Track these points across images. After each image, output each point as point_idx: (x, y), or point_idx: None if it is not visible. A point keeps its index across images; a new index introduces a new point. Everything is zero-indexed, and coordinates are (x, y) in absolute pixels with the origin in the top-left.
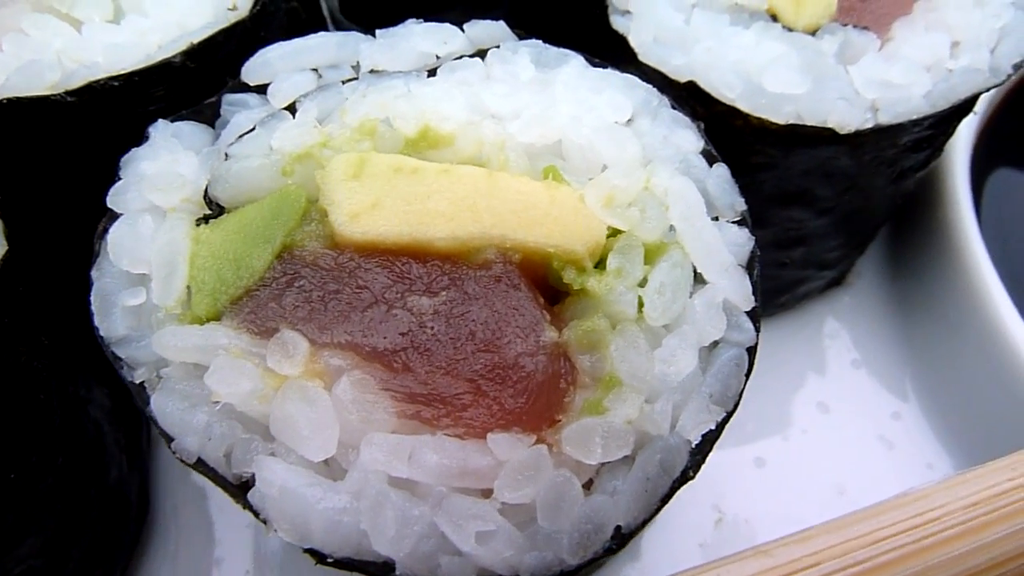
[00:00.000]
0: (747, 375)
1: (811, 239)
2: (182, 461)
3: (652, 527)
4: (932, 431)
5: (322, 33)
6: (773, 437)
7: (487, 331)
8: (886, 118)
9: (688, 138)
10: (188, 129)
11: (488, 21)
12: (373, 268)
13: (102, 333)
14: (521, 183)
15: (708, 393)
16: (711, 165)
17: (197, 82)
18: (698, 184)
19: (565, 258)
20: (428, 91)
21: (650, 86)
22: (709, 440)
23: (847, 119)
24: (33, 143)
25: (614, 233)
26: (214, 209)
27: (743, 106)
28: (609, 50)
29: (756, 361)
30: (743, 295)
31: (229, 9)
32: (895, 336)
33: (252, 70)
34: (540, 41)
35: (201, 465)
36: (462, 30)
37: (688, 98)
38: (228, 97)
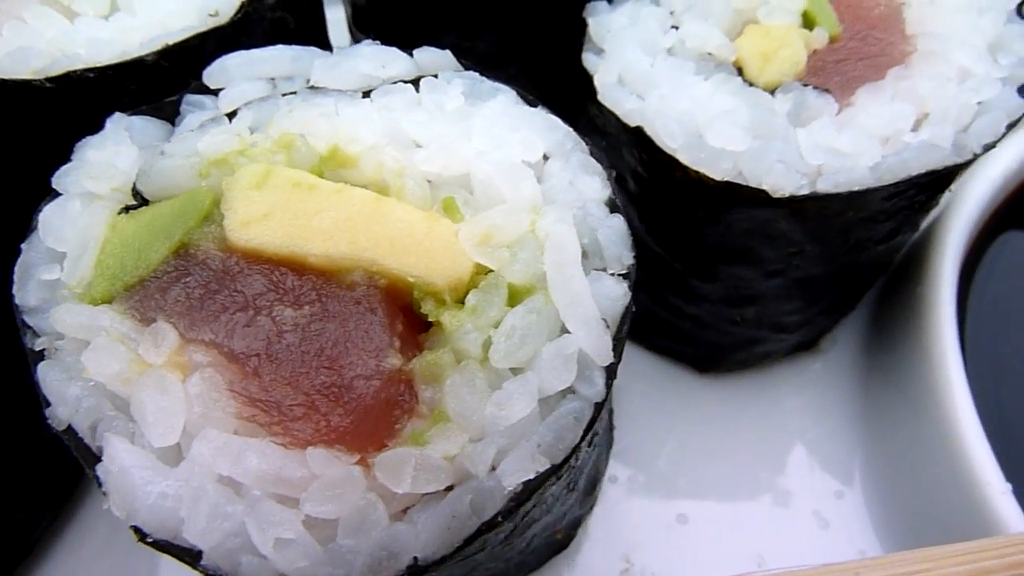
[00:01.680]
0: (588, 430)
1: (763, 300)
2: (53, 428)
3: (553, 564)
4: (871, 518)
5: (281, 46)
6: (703, 496)
7: (335, 349)
8: (825, 186)
9: (593, 185)
10: (141, 124)
11: (435, 49)
12: (253, 275)
13: (17, 300)
14: (404, 211)
15: (538, 443)
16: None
17: (172, 81)
18: (589, 233)
19: (425, 289)
20: (351, 112)
21: (569, 129)
22: (530, 489)
23: (782, 183)
24: (15, 123)
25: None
26: (139, 201)
27: (683, 158)
28: (585, 85)
29: (708, 415)
30: (601, 349)
31: (210, 15)
32: (855, 414)
33: (211, 75)
34: (477, 74)
35: (69, 434)
36: (411, 55)
37: (636, 144)
38: (189, 97)
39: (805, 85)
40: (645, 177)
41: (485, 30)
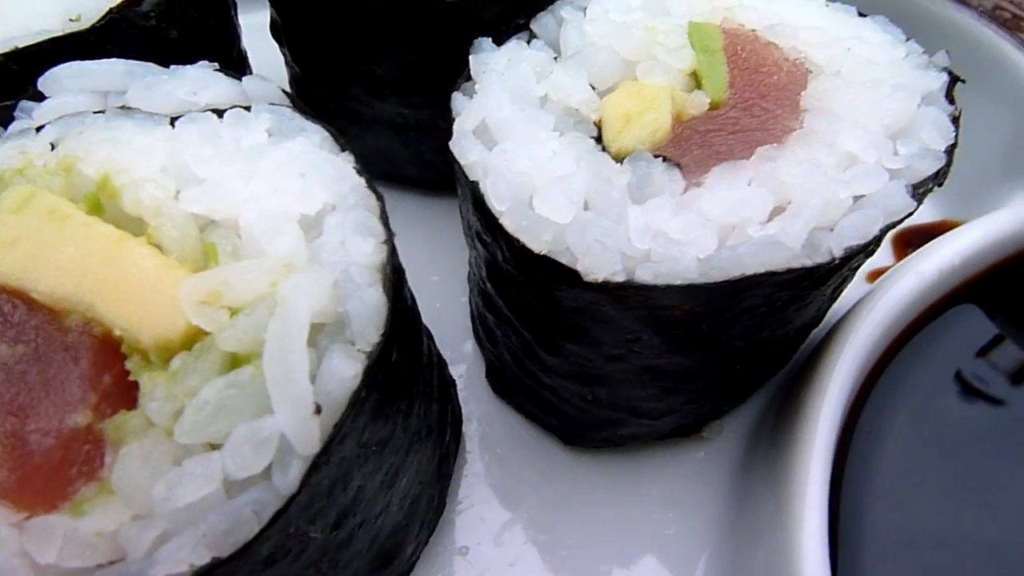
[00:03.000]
0: (273, 523)
1: (611, 382)
2: None
3: None
4: None
5: (116, 59)
6: None
7: (29, 396)
8: (645, 275)
9: (363, 248)
10: None
11: (263, 78)
12: None
13: None
14: (140, 256)
15: (204, 532)
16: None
17: (21, 85)
18: (339, 304)
19: (132, 345)
20: (140, 139)
21: (360, 182)
22: None
23: (597, 265)
24: None
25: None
26: None
27: (506, 223)
28: None
29: (568, 491)
30: (305, 437)
31: (71, 20)
32: (712, 516)
33: (44, 83)
34: (289, 108)
35: None
36: (239, 80)
37: (472, 200)
38: (23, 103)
39: (657, 156)
40: (485, 238)
41: (384, 55)
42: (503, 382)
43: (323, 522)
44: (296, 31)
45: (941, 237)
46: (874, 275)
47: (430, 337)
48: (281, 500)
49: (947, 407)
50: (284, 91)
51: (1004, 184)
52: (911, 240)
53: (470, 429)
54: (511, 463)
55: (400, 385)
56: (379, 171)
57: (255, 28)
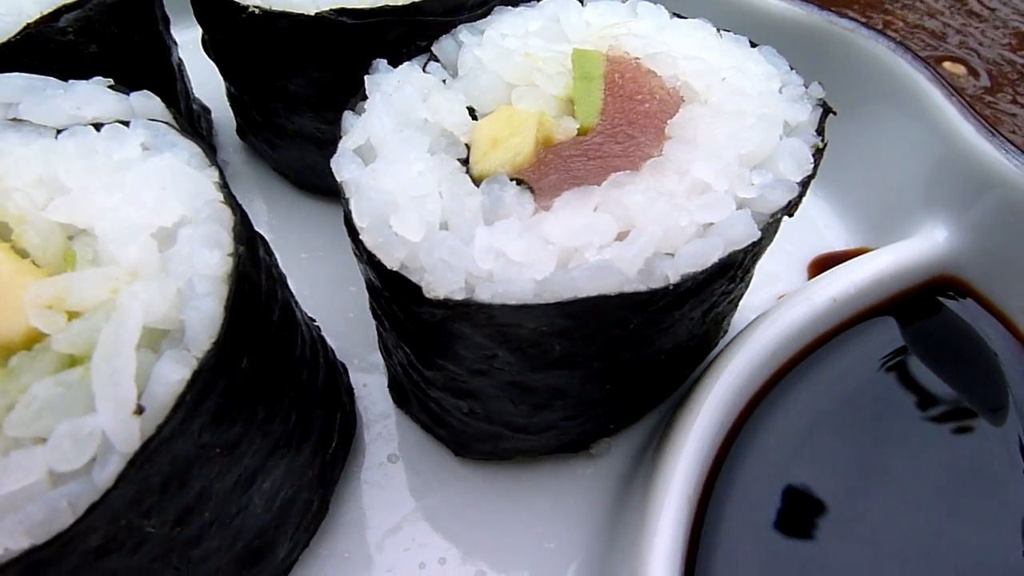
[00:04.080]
0: (87, 514)
1: (481, 397)
2: None
3: None
4: None
5: (17, 73)
6: None
7: None
8: (484, 295)
9: (208, 260)
10: None
11: (149, 94)
12: None
13: None
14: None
15: (21, 520)
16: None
17: None
18: (174, 313)
19: None
20: (21, 151)
21: (218, 197)
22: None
23: (440, 283)
24: None
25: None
26: None
27: (366, 239)
28: None
29: (454, 501)
30: (125, 435)
31: None
32: (591, 533)
33: None
34: (166, 125)
35: None
36: (127, 95)
37: (345, 216)
38: None
39: (514, 179)
40: (357, 254)
41: (295, 72)
42: (401, 392)
43: (160, 518)
44: (219, 47)
45: (840, 265)
46: None
47: (323, 346)
48: (98, 493)
49: (825, 433)
50: (169, 108)
51: (923, 213)
52: (828, 266)
53: (370, 436)
54: (403, 472)
55: (252, 392)
56: (306, 183)
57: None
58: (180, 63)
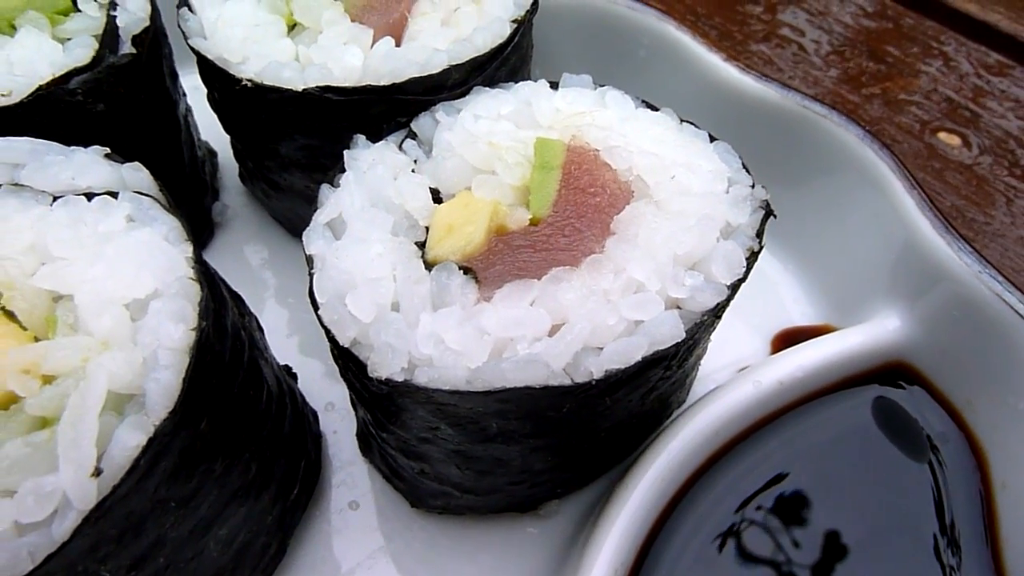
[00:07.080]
0: (44, 564)
1: (430, 461)
2: None
3: None
4: None
5: (24, 138)
6: None
7: None
8: (421, 378)
9: (172, 333)
10: None
11: (139, 169)
12: None
13: None
14: None
15: None
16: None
17: None
18: (139, 380)
19: None
20: (18, 218)
21: (188, 272)
22: None
23: (383, 364)
24: None
25: None
26: None
27: (324, 315)
28: None
29: (408, 552)
30: (82, 494)
31: (2, 95)
32: None
33: None
34: (149, 199)
35: None
36: (120, 165)
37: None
38: None
39: (463, 267)
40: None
41: (284, 137)
42: (366, 442)
43: (116, 563)
44: (220, 106)
45: (791, 348)
46: None
47: (292, 397)
48: (55, 545)
49: (759, 513)
50: (157, 181)
51: (883, 298)
52: (792, 341)
53: (336, 481)
54: (362, 519)
55: (210, 450)
56: (297, 231)
57: None
58: (188, 111)
